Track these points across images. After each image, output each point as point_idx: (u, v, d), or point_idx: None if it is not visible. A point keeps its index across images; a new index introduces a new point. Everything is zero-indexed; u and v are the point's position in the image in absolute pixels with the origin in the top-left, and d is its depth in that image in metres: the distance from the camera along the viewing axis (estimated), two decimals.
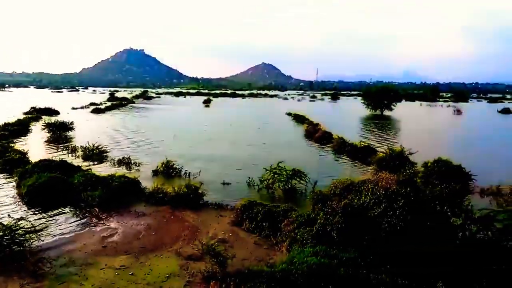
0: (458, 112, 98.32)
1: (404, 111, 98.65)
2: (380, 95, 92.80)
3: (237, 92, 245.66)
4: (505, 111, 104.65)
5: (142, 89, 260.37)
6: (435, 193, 18.18)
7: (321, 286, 11.25)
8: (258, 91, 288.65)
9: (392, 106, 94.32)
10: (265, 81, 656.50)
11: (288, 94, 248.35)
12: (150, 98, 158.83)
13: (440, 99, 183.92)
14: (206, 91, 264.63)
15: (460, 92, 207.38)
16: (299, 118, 70.49)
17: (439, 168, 25.78)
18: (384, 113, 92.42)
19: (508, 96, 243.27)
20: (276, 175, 24.63)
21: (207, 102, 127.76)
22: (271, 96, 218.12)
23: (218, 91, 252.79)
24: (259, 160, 32.27)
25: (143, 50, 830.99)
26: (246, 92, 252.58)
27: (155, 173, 27.59)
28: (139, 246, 15.47)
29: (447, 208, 16.12)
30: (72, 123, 48.53)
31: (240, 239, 16.41)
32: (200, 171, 28.09)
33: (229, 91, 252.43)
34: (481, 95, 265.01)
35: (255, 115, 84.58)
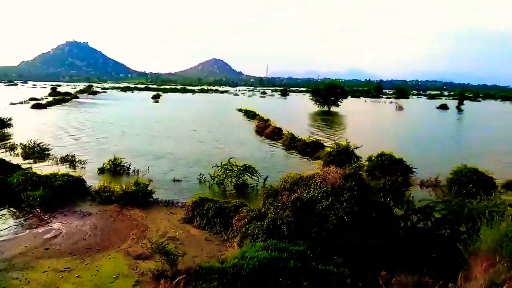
0: (400, 108, 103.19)
1: (350, 107, 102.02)
2: (328, 92, 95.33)
3: (187, 87, 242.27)
4: (442, 107, 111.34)
5: (87, 84, 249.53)
6: (379, 186, 19.05)
7: (271, 280, 11.40)
8: (209, 87, 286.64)
9: (339, 102, 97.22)
10: (215, 76, 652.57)
11: (239, 90, 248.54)
12: (96, 93, 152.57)
13: (383, 96, 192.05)
14: (155, 86, 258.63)
15: (401, 89, 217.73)
16: (250, 114, 70.81)
17: (383, 161, 26.96)
18: (331, 109, 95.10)
19: (445, 93, 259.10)
20: (227, 171, 24.61)
21: (156, 98, 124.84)
22: (222, 92, 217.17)
23: (167, 86, 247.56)
24: (210, 157, 32.09)
25: (87, 43, 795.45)
26: (197, 88, 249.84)
27: (101, 171, 26.61)
28: (85, 247, 14.85)
29: (390, 200, 16.92)
30: (10, 119, 45.57)
31: (191, 236, 16.24)
32: (149, 168, 27.46)
33: (179, 87, 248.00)
34: (421, 92, 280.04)
35: (205, 111, 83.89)
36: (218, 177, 24.60)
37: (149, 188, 20.89)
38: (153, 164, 29.35)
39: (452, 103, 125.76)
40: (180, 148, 36.65)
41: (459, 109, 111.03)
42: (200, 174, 25.56)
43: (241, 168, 24.70)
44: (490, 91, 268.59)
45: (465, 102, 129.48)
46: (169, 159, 31.89)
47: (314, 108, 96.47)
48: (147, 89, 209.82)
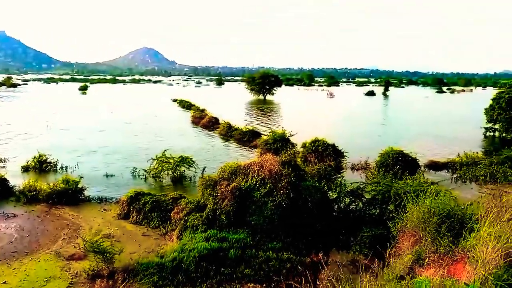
0: (331, 95, 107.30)
1: (284, 95, 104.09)
2: (262, 81, 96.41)
3: (118, 78, 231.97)
4: (370, 93, 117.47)
5: (5, 76, 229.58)
6: (313, 171, 19.71)
7: (212, 270, 11.40)
8: (141, 77, 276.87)
9: (273, 90, 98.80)
10: (147, 66, 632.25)
11: (173, 80, 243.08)
12: (15, 85, 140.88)
13: (316, 84, 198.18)
14: (82, 77, 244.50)
15: (332, 77, 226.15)
16: (185, 105, 69.62)
17: (316, 147, 27.92)
18: (266, 97, 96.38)
19: (372, 80, 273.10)
20: (163, 164, 24.07)
21: (83, 89, 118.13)
22: (155, 82, 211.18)
23: (95, 77, 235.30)
24: (145, 150, 31.18)
25: (3, 31, 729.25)
26: (128, 78, 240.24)
27: (26, 169, 24.80)
28: (11, 251, 13.80)
29: (325, 184, 17.60)
30: None
31: (127, 233, 15.72)
32: (78, 164, 26.07)
33: (108, 77, 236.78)
34: (350, 80, 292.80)
35: (139, 102, 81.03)
36: (154, 170, 23.99)
37: (79, 185, 19.84)
38: (84, 160, 27.90)
39: (378, 90, 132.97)
40: (113, 142, 35.14)
41: (385, 95, 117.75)
42: (134, 167, 24.76)
43: (178, 160, 24.29)
44: (412, 78, 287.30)
45: (390, 88, 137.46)
46: (101, 154, 30.48)
47: (250, 97, 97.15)
48: (73, 80, 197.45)
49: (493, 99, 43.39)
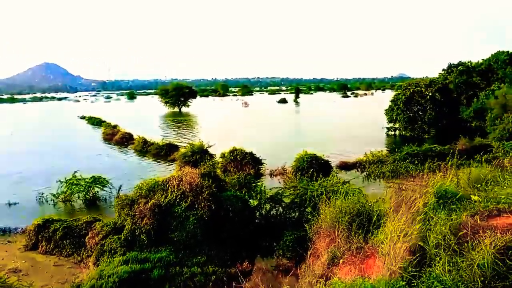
0: (246, 104, 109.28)
1: (200, 107, 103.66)
2: (177, 93, 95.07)
3: (16, 96, 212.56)
4: (282, 101, 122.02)
5: None
6: (234, 180, 19.83)
7: None
8: (43, 94, 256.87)
9: (188, 102, 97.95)
10: (49, 82, 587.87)
11: (80, 96, 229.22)
12: None
13: (230, 94, 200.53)
14: None
15: (246, 87, 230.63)
16: (95, 122, 66.02)
17: (235, 156, 28.20)
18: (182, 109, 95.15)
19: (284, 88, 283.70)
20: (73, 186, 22.51)
21: None
22: (60, 99, 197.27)
23: None
24: (53, 174, 28.90)
25: None
26: (28, 97, 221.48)
27: None
28: None
29: (245, 192, 17.81)
30: None
31: (37, 264, 14.39)
32: None
33: (5, 96, 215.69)
34: (263, 88, 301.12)
35: (43, 122, 74.97)
36: (63, 194, 22.35)
37: None
38: None
39: (290, 97, 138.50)
40: (15, 166, 32.01)
41: (296, 102, 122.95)
42: (40, 193, 22.83)
43: (90, 181, 22.90)
44: (319, 84, 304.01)
45: (300, 95, 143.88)
46: (1, 180, 27.60)
47: (165, 110, 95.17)
48: None
49: (391, 101, 47.56)
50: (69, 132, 57.02)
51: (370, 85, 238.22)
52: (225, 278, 11.85)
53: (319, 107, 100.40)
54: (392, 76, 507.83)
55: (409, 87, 46.20)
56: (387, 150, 34.23)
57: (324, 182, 17.69)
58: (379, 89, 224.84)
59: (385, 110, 48.15)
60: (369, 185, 23.79)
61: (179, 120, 71.72)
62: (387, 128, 47.92)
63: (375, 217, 7.81)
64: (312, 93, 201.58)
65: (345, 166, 29.05)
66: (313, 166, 24.91)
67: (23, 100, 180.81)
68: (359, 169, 28.55)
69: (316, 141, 41.39)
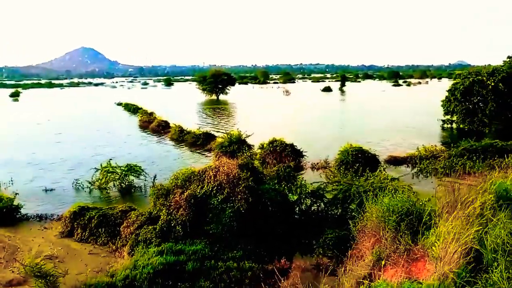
0: (287, 92, 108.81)
1: (238, 94, 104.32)
2: (214, 80, 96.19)
3: (54, 82, 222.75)
4: (327, 89, 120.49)
5: None
6: (272, 173, 19.93)
7: (169, 286, 11.25)
8: (80, 80, 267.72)
9: (226, 90, 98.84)
10: (87, 67, 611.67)
11: (116, 82, 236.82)
12: None
13: (270, 81, 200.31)
14: (13, 82, 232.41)
15: (287, 74, 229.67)
16: (131, 108, 68.15)
17: (274, 148, 28.24)
18: (219, 97, 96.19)
19: (328, 76, 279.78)
20: (109, 174, 23.43)
21: (15, 96, 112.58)
22: (96, 85, 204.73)
23: (28, 82, 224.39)
24: (90, 160, 30.23)
25: None
26: (65, 82, 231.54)
27: None
28: None
29: (285, 186, 17.86)
30: None
31: (72, 252, 15.17)
32: (12, 179, 24.83)
33: (43, 81, 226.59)
34: (306, 76, 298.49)
35: (80, 108, 78.25)
36: (99, 181, 23.32)
37: (15, 202, 18.91)
38: (19, 173, 26.60)
39: (335, 85, 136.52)
40: (52, 153, 33.72)
41: (342, 90, 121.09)
42: (76, 180, 23.94)
43: (125, 169, 23.75)
44: (368, 72, 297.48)
45: (346, 83, 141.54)
46: (39, 166, 29.18)
47: (202, 97, 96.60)
48: (2, 86, 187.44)
49: (448, 91, 45.77)
50: (106, 119, 59.17)
51: (425, 73, 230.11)
52: (261, 275, 11.99)
53: (367, 96, 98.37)
54: (449, 64, 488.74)
55: (468, 76, 44.20)
56: (441, 145, 33.10)
57: (371, 178, 17.42)
58: (434, 77, 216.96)
59: (441, 100, 46.44)
60: (420, 183, 23.15)
61: (217, 108, 72.59)
62: (443, 120, 46.24)
63: (426, 217, 7.62)
64: (359, 81, 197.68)
65: (394, 161, 28.41)
66: (358, 160, 24.53)
67: (61, 86, 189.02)
68: (409, 165, 27.83)
69: (362, 133, 40.67)
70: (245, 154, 26.73)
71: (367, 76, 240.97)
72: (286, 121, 53.83)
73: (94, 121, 55.87)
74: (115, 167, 23.75)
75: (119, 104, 79.61)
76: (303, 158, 28.91)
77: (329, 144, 33.84)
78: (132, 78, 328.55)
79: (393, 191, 9.62)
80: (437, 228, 6.84)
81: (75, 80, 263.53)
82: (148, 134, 44.07)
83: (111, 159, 24.38)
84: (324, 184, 18.15)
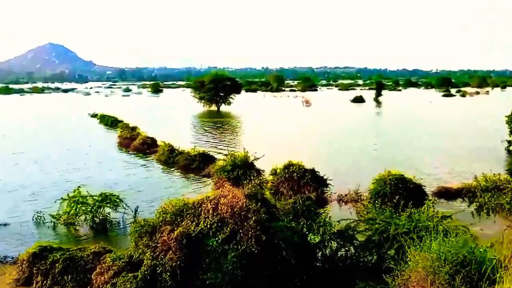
0: (307, 103, 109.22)
1: (245, 105, 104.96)
2: (215, 86, 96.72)
3: (12, 86, 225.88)
4: (358, 99, 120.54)
5: None
6: (287, 206, 19.85)
7: None
8: (45, 84, 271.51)
9: (230, 99, 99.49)
10: (54, 69, 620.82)
11: (91, 88, 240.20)
12: None
13: (286, 88, 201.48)
14: None
15: (307, 79, 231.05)
16: (109, 121, 68.83)
17: (291, 174, 28.18)
18: (221, 108, 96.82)
19: (360, 82, 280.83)
20: (78, 205, 23.49)
21: None
22: (66, 91, 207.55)
23: None
24: (56, 186, 30.43)
25: None
26: (26, 87, 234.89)
27: None
28: None
29: (303, 224, 17.73)
30: None
31: None
32: None
33: None
34: (331, 82, 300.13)
35: (44, 119, 79.14)
36: (66, 214, 23.39)
37: None
38: None
39: (368, 94, 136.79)
40: (10, 177, 33.98)
41: (377, 101, 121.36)
42: (37, 211, 24.03)
43: (99, 199, 23.80)
44: (411, 78, 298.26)
45: (383, 92, 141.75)
46: None
47: (198, 108, 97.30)
48: None
49: None
50: (77, 135, 59.71)
51: (485, 80, 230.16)
52: None
53: (410, 109, 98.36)
54: None
55: None
56: (507, 173, 32.80)
57: (415, 215, 17.25)
58: (497, 86, 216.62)
59: (506, 116, 46.21)
60: (480, 222, 22.89)
61: (217, 122, 73.04)
62: (509, 142, 45.95)
63: (489, 268, 7.51)
64: (400, 90, 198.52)
65: (445, 194, 28.17)
66: (399, 192, 24.36)
67: (20, 91, 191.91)
68: (465, 199, 27.57)
69: (404, 156, 40.55)
70: (252, 182, 26.69)
71: (409, 84, 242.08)
72: (306, 140, 53.89)
73: (62, 137, 56.40)
74: (87, 196, 23.80)
75: (94, 115, 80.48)
76: (328, 188, 28.79)
77: (361, 171, 33.70)
78: (110, 82, 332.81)
79: (444, 233, 9.52)
80: (503, 283, 6.74)
81: (39, 84, 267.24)
82: (129, 154, 44.33)
83: (80, 186, 24.46)
84: (355, 223, 18.01)
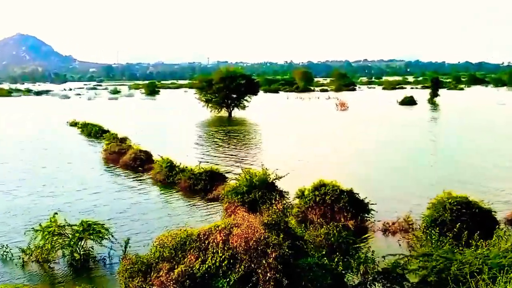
0: (343, 106, 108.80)
1: (264, 109, 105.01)
2: (225, 85, 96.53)
3: None
4: (407, 101, 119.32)
5: None
6: (319, 238, 19.75)
7: None
8: (13, 86, 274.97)
9: (244, 101, 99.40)
10: (24, 65, 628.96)
11: (70, 89, 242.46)
12: None
13: (316, 87, 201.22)
14: None
15: (343, 76, 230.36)
16: (93, 131, 69.21)
17: (322, 196, 27.95)
18: (233, 114, 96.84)
19: (410, 79, 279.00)
20: (55, 237, 23.56)
21: None
22: (39, 93, 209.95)
23: None
24: (25, 212, 30.63)
25: None
26: None
27: None
28: None
29: (338, 260, 17.61)
30: None
31: None
32: None
33: None
34: (373, 79, 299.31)
35: (12, 130, 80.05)
36: (38, 249, 23.47)
37: None
38: None
39: (421, 95, 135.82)
40: None
41: (432, 103, 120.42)
42: (3, 245, 24.18)
43: (79, 229, 23.83)
44: (476, 73, 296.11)
45: (440, 91, 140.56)
46: None
47: (205, 113, 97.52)
48: None
49: None
50: (53, 148, 60.10)
51: None
52: None
53: (475, 113, 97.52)
54: None
55: None
56: None
57: (483, 249, 17.04)
58: None
59: None
60: None
61: (229, 132, 73.11)
62: None
63: None
64: (462, 89, 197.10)
65: None
66: (462, 219, 24.04)
67: None
68: None
69: (468, 175, 40.10)
70: (273, 207, 26.57)
71: (474, 80, 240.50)
72: (341, 154, 53.64)
73: (35, 152, 56.84)
74: (64, 226, 23.84)
75: (74, 124, 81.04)
76: (370, 215, 28.54)
77: (412, 193, 33.39)
78: (95, 82, 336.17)
79: None
80: None
81: (5, 86, 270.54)
82: (118, 172, 44.44)
83: (57, 213, 24.51)
84: (405, 259, 17.85)
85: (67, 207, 27.52)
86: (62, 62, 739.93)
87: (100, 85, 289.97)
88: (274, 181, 31.43)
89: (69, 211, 25.84)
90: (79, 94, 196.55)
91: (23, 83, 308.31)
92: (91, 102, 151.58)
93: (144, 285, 15.24)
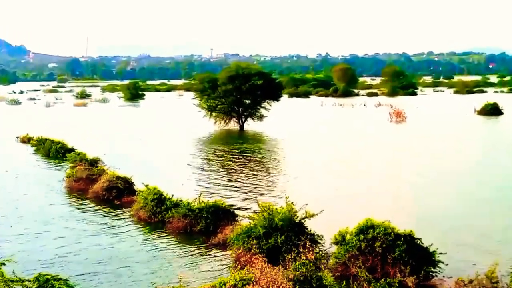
0: (398, 116, 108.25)
1: (288, 121, 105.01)
2: (235, 87, 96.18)
3: None
4: (489, 110, 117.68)
5: None
6: None
7: None
8: None
9: (262, 109, 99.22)
10: None
11: (22, 92, 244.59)
12: None
13: (360, 90, 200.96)
14: None
15: (398, 73, 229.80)
16: (52, 150, 69.39)
17: (369, 243, 27.92)
18: (246, 126, 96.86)
19: (492, 79, 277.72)
20: None
21: None
22: None
23: None
24: None
25: None
26: None
27: None
28: None
29: None
30: None
31: None
32: None
33: None
34: (442, 79, 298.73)
35: None
36: None
37: None
38: None
39: (508, 100, 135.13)
40: None
41: None
42: None
43: (34, 286, 23.98)
44: None
45: None
46: None
47: (208, 125, 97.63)
48: None
49: None
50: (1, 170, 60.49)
51: None
52: None
53: None
54: None
55: None
56: None
57: None
58: None
59: None
60: None
61: (240, 152, 73.18)
62: None
63: None
64: None
65: None
66: None
67: None
68: None
69: None
70: (302, 257, 26.61)
71: None
72: (394, 183, 53.52)
73: None
74: (14, 281, 24.04)
75: (27, 140, 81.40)
76: (437, 268, 28.49)
77: (496, 237, 33.30)
78: (55, 82, 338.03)
79: None
80: None
81: None
82: (87, 206, 44.52)
83: (4, 264, 24.70)
84: None
85: (19, 256, 27.46)
86: (11, 54, 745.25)
87: (63, 86, 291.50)
88: (302, 221, 31.46)
89: (21, 260, 25.83)
90: (34, 99, 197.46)
91: None
92: (50, 110, 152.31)
93: None
